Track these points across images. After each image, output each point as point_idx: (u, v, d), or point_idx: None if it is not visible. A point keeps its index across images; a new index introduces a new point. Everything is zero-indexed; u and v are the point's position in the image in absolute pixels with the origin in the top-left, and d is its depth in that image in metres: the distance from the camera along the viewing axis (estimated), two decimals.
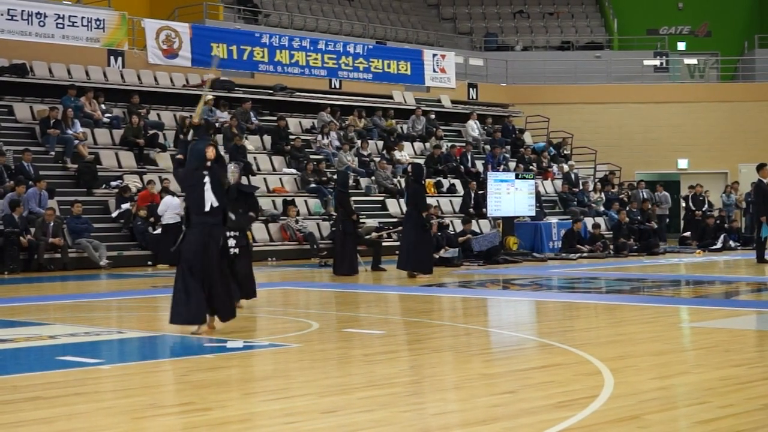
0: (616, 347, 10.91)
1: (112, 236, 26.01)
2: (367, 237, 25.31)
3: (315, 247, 28.09)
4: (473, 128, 38.15)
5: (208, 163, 12.08)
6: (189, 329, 12.12)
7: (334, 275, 22.18)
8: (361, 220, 25.62)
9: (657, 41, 46.79)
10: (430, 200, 27.00)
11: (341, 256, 22.67)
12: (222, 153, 14.55)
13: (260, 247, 27.06)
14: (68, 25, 30.96)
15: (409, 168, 23.41)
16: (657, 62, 44.79)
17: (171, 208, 25.38)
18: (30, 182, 25.33)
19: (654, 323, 13.21)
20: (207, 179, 11.99)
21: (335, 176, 27.75)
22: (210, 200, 11.97)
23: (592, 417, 7.33)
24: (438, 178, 33.77)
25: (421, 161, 32.22)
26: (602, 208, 35.18)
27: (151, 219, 25.98)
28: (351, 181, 30.16)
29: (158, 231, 25.61)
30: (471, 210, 31.18)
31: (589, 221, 32.06)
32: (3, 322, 13.98)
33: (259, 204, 16.35)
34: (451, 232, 27.26)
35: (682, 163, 42.37)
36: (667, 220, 36.74)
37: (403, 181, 32.55)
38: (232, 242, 14.18)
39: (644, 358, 10.08)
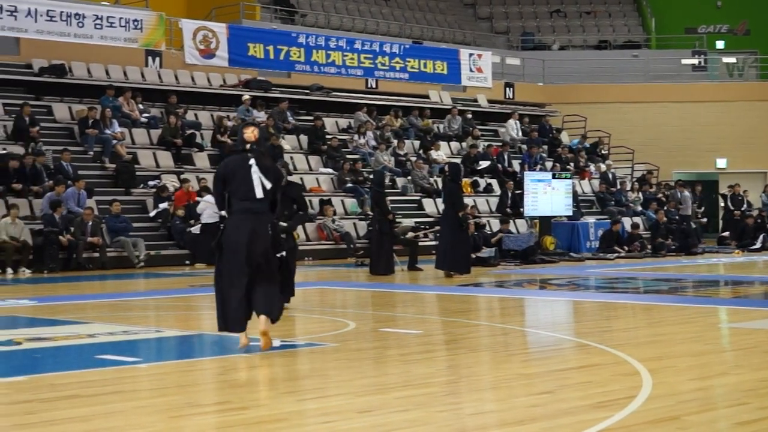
0: (655, 348, 10.84)
1: (150, 235, 26.11)
2: (403, 237, 25.30)
3: (351, 246, 28.10)
4: (513, 128, 38.03)
5: (248, 146, 10.66)
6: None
7: (371, 275, 22.19)
8: (397, 220, 25.59)
9: (695, 40, 46.54)
10: (466, 200, 26.94)
11: (377, 255, 22.69)
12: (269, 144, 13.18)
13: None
14: (106, 26, 31.12)
15: (446, 167, 23.37)
16: (695, 61, 44.55)
17: (210, 207, 25.47)
18: (69, 182, 25.48)
19: (693, 324, 13.12)
20: (252, 161, 10.51)
21: (371, 176, 27.77)
22: (260, 184, 10.46)
23: (630, 418, 7.28)
24: (474, 178, 33.70)
25: (458, 161, 32.18)
26: (640, 208, 35.02)
27: (191, 221, 26.01)
28: (387, 181, 30.14)
29: (196, 230, 25.66)
30: (508, 210, 31.10)
31: (627, 221, 31.91)
32: (42, 321, 14.06)
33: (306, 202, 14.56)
34: (488, 232, 27.20)
35: (721, 163, 42.10)
36: (705, 219, 36.44)
37: (439, 180, 32.53)
38: None
39: (683, 359, 10.02)
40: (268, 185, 10.52)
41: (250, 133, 10.68)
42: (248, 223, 10.42)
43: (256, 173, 10.47)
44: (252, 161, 10.50)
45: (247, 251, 10.36)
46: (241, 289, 10.39)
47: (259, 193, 10.46)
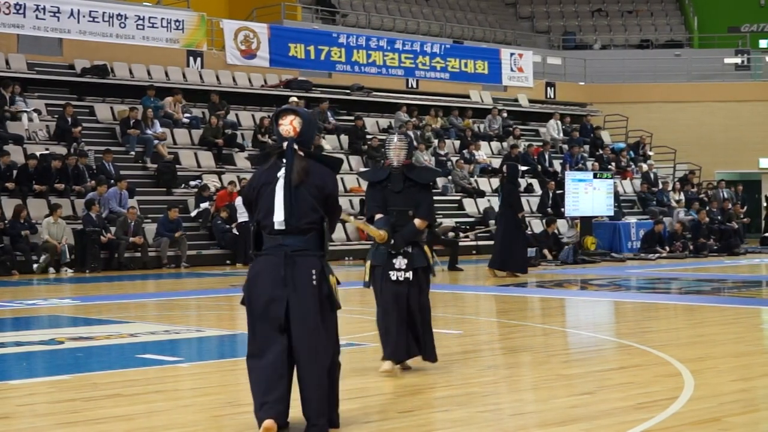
0: (696, 348, 10.79)
1: (192, 235, 26.21)
2: (444, 237, 25.26)
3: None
4: (554, 128, 37.92)
5: (285, 144, 7.01)
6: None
7: None
8: (437, 220, 25.54)
9: (738, 39, 46.21)
10: None
11: None
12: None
13: (337, 246, 27.12)
14: (148, 27, 31.28)
15: (504, 168, 23.27)
16: (738, 60, 44.25)
17: (241, 207, 25.77)
18: (111, 182, 25.63)
19: (735, 324, 13.05)
20: (282, 172, 6.94)
21: None
22: (282, 206, 6.88)
23: (672, 419, 7.26)
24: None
25: (497, 161, 32.14)
26: (683, 208, 34.80)
27: (234, 224, 26.06)
28: None
29: (234, 230, 25.89)
30: (549, 210, 31.01)
31: (669, 221, 31.74)
32: (84, 320, 14.16)
33: (431, 206, 9.02)
34: (529, 233, 27.12)
35: (764, 163, 41.78)
36: (748, 219, 36.15)
37: (480, 180, 32.55)
38: (402, 263, 9.35)
39: (725, 360, 9.96)
40: (304, 207, 6.92)
41: (288, 125, 7.04)
42: (276, 268, 6.87)
43: (280, 190, 6.91)
44: (281, 172, 6.96)
45: (276, 312, 6.84)
46: (274, 360, 6.83)
47: (277, 219, 6.91)
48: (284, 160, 6.95)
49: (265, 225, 6.95)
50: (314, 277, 6.87)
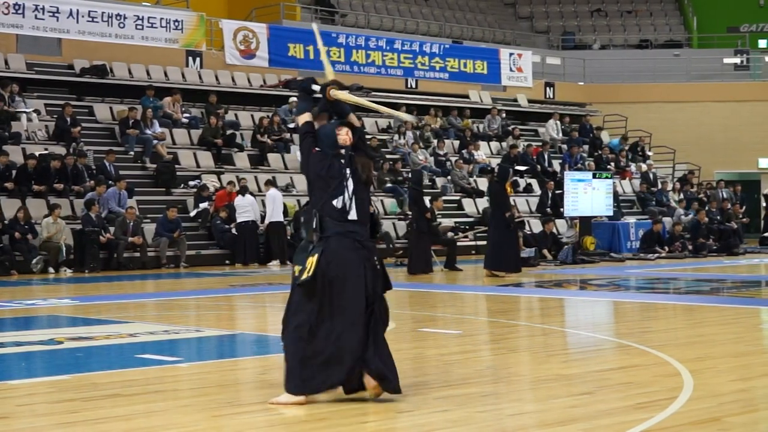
0: (696, 348, 10.79)
1: (191, 235, 26.21)
2: (443, 236, 25.27)
3: (391, 246, 28.08)
4: (553, 127, 37.90)
5: (342, 151, 8.17)
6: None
7: (409, 274, 22.18)
8: (437, 219, 25.54)
9: (737, 39, 46.23)
10: None
11: (416, 254, 22.71)
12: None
13: None
14: (147, 26, 31.27)
15: (496, 168, 23.27)
16: (737, 60, 44.26)
17: (241, 207, 25.76)
18: (110, 182, 25.63)
19: (734, 324, 13.04)
20: (348, 172, 8.07)
21: (410, 175, 27.81)
22: (353, 204, 7.97)
23: (671, 419, 7.25)
24: (515, 178, 33.61)
25: (496, 161, 32.14)
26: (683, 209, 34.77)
27: (233, 224, 26.05)
28: (427, 181, 30.13)
29: (233, 230, 25.92)
30: (548, 210, 31.01)
31: (668, 221, 31.74)
32: (83, 320, 14.15)
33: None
34: (528, 232, 27.15)
35: (764, 163, 41.78)
36: (747, 219, 36.15)
37: (479, 180, 32.53)
38: None
39: (724, 360, 9.96)
40: (363, 203, 8.10)
41: (345, 135, 8.25)
42: (351, 251, 7.90)
43: (349, 190, 8.03)
44: (348, 172, 8.07)
45: (353, 285, 7.82)
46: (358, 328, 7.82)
47: (353, 215, 7.98)
48: (343, 161, 8.09)
49: (333, 211, 7.91)
50: (377, 262, 7.98)
